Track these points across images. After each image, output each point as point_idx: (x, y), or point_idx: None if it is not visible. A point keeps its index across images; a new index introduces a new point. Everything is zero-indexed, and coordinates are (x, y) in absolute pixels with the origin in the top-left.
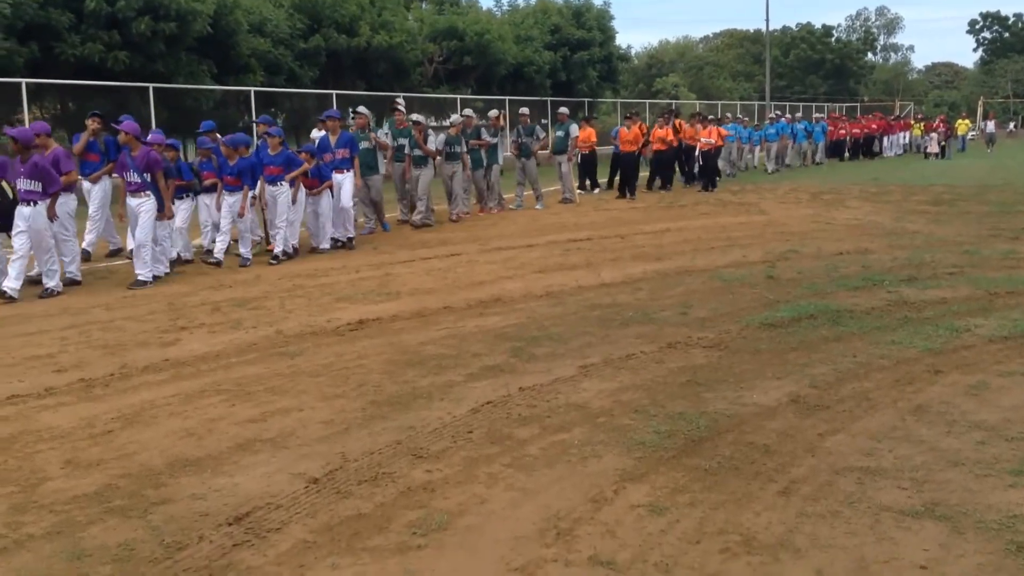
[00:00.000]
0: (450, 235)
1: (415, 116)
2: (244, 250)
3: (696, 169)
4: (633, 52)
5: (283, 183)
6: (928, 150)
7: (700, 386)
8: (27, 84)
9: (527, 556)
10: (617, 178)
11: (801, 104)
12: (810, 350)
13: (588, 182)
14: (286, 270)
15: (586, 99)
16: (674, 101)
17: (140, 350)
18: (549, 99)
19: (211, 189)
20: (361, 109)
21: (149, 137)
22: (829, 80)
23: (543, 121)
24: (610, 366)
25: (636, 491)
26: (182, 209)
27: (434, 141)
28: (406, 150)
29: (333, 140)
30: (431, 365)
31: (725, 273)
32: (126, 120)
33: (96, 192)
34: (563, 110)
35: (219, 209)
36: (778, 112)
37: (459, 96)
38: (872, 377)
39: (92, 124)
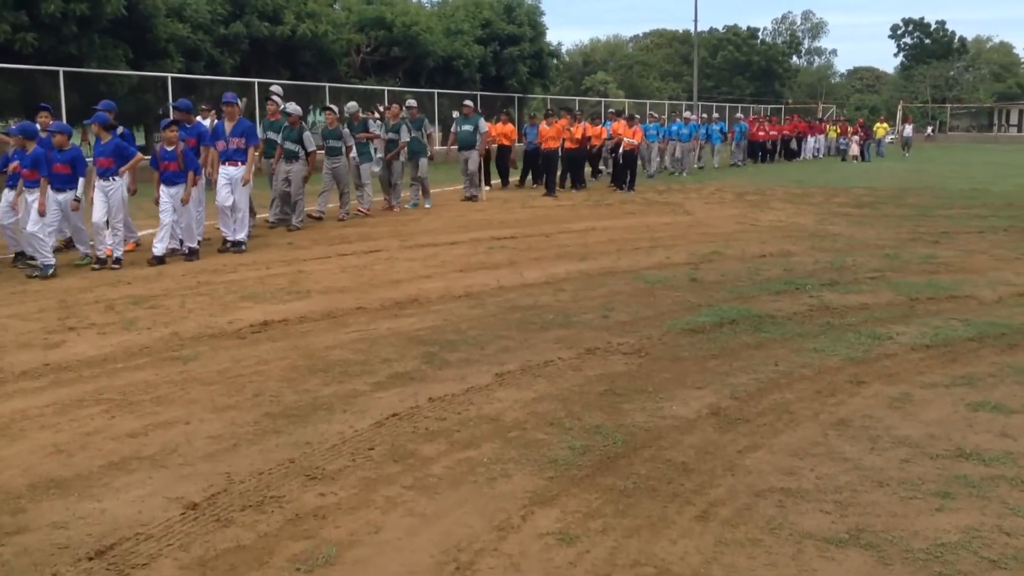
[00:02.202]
0: (371, 230)
1: (289, 107)
2: (44, 256)
3: (610, 168)
4: (564, 49)
5: (116, 178)
6: (849, 153)
7: (618, 396)
8: None
9: None
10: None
11: (728, 105)
12: (731, 357)
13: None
14: (192, 265)
15: (516, 94)
16: (603, 99)
17: (20, 352)
18: (479, 93)
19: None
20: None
21: None
22: (755, 82)
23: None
24: (527, 374)
25: (545, 516)
26: None
27: (311, 136)
28: (278, 142)
29: (228, 127)
30: (336, 372)
31: (649, 275)
32: None
33: None
34: (468, 103)
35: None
36: (688, 113)
37: (386, 88)
38: (794, 387)
39: None
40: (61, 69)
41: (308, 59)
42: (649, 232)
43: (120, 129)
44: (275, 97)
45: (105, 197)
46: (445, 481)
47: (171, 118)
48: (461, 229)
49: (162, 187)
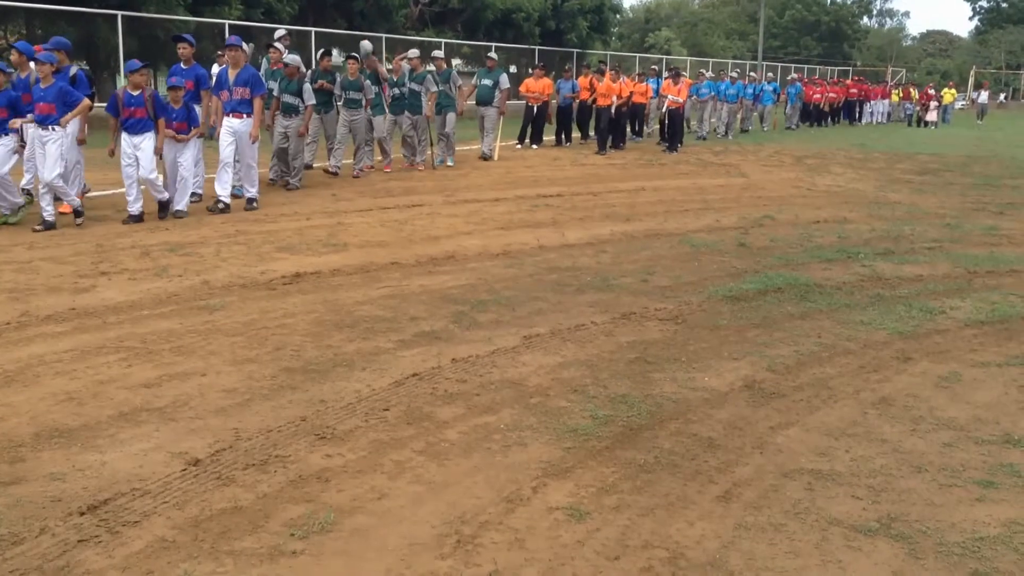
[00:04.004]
0: (417, 184)
1: (288, 57)
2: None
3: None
4: (627, 5)
5: (56, 127)
6: (926, 118)
7: (649, 364)
8: None
9: (417, 569)
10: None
11: (793, 65)
12: (772, 328)
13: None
14: (232, 214)
15: (575, 50)
16: (665, 56)
17: (48, 296)
18: (537, 47)
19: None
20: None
21: None
22: (823, 43)
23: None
24: (556, 337)
25: (557, 490)
26: None
27: (310, 88)
28: (275, 94)
29: (232, 75)
30: (362, 328)
31: (695, 238)
32: None
33: None
34: (492, 56)
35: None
36: (736, 72)
37: (443, 40)
38: (835, 362)
39: None
40: (120, 13)
41: (365, 9)
42: (700, 194)
43: (74, 69)
44: (278, 44)
45: (49, 146)
46: (458, 447)
47: (179, 47)
48: (508, 186)
49: (125, 136)
